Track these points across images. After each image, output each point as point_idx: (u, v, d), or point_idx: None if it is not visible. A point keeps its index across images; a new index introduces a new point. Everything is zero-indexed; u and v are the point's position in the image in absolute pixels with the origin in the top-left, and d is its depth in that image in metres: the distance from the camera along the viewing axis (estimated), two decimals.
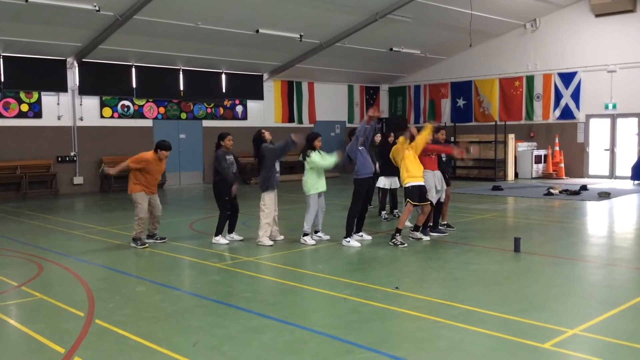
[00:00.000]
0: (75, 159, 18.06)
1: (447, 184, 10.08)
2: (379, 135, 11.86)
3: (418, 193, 8.94)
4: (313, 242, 9.23)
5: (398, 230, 9.03)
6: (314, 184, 9.20)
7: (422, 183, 9.03)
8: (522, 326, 5.25)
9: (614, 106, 20.06)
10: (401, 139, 9.17)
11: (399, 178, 9.90)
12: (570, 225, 11.10)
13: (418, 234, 9.41)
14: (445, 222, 10.35)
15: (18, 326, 5.54)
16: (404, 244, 8.90)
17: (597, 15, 20.09)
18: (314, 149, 9.17)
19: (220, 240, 9.39)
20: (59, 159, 17.79)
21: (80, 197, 17.14)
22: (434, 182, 9.53)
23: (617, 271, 7.46)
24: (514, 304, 5.94)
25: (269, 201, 9.14)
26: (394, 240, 8.96)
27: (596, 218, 12.21)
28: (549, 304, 5.95)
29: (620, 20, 19.65)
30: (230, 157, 9.35)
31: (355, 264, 8.06)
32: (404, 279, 7.10)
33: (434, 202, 9.56)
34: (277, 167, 9.23)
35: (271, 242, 9.17)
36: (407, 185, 8.97)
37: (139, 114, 19.30)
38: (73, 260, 8.38)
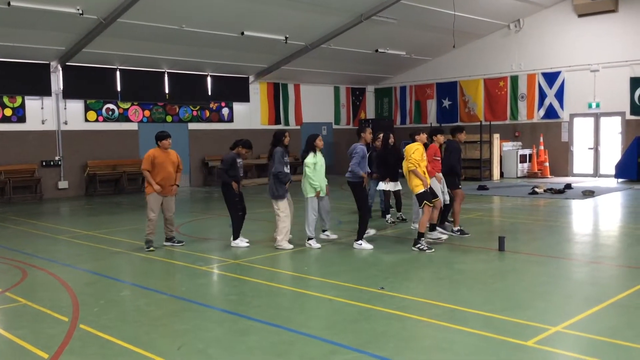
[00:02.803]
0: (60, 163, 17.92)
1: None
2: (378, 140, 11.32)
3: (430, 193, 8.76)
4: (318, 245, 9.09)
5: (421, 235, 8.69)
6: (311, 187, 9.10)
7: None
8: (505, 324, 5.29)
9: (597, 105, 20.25)
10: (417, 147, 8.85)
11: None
12: (555, 223, 11.19)
13: (436, 233, 9.41)
14: (458, 228, 9.90)
15: (1, 332, 5.49)
16: (431, 249, 8.57)
17: (580, 15, 20.28)
18: (314, 149, 9.09)
19: (240, 243, 9.29)
20: (44, 164, 17.63)
21: (65, 201, 17.00)
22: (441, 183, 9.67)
23: (601, 269, 7.54)
24: (498, 303, 5.98)
25: (282, 206, 9.00)
26: (419, 245, 8.57)
27: (580, 216, 12.32)
28: (532, 302, 6.01)
29: (603, 20, 19.84)
30: (240, 161, 9.43)
31: (341, 265, 8.06)
32: (389, 279, 7.12)
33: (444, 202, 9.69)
34: (287, 169, 9.02)
35: (291, 246, 9.03)
36: (421, 191, 8.69)
37: (123, 117, 19.18)
38: (58, 265, 8.32)
